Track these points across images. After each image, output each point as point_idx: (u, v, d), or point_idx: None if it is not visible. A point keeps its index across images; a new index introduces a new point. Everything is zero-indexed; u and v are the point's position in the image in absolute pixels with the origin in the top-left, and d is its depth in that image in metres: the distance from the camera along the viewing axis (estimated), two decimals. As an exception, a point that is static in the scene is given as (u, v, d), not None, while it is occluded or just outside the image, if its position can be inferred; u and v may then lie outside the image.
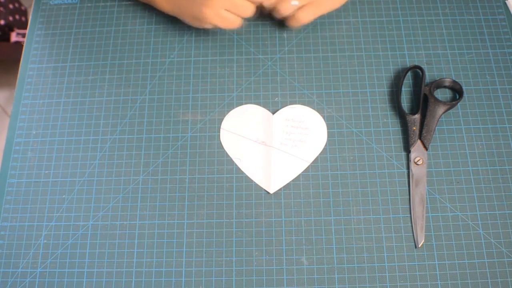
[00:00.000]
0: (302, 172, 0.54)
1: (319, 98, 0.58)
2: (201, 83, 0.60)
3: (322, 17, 0.62)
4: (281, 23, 0.62)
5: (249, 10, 0.56)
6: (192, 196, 0.54)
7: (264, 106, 0.58)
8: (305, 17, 0.57)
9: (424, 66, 0.59)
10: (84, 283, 0.51)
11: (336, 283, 0.49)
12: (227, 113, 0.58)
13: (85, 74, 0.61)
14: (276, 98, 0.58)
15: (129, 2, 0.65)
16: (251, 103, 0.58)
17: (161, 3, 0.60)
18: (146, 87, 0.60)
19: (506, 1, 0.63)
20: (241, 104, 0.58)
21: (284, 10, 0.57)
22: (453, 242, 0.51)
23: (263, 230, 0.52)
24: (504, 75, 0.59)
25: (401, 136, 0.56)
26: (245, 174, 0.54)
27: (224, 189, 0.54)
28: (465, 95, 0.57)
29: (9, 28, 1.41)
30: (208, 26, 0.57)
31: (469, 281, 0.49)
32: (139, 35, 0.63)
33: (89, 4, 0.65)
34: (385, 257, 0.50)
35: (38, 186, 0.55)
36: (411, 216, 0.52)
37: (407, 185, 0.53)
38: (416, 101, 0.57)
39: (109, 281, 0.51)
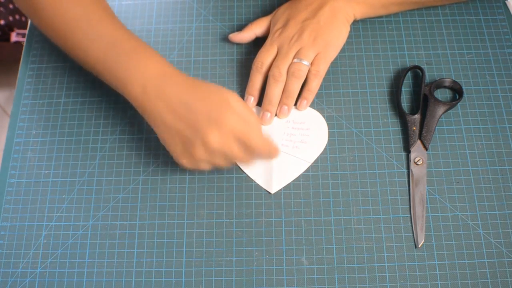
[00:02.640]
0: (303, 172, 0.54)
1: (319, 98, 0.58)
2: (201, 83, 0.60)
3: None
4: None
5: (230, 165, 0.51)
6: (192, 196, 0.54)
7: (264, 106, 0.58)
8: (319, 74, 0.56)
9: (424, 66, 0.59)
10: (84, 283, 0.51)
11: (336, 283, 0.49)
12: (227, 113, 0.58)
13: (85, 74, 0.61)
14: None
15: (129, 2, 0.65)
16: (251, 103, 0.58)
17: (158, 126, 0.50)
18: (146, 87, 0.60)
19: (506, 1, 0.63)
20: (241, 104, 0.58)
21: (303, 107, 0.57)
22: (453, 242, 0.51)
23: (263, 230, 0.52)
24: (504, 75, 0.59)
25: (401, 136, 0.56)
26: (245, 174, 0.54)
27: (224, 189, 0.54)
28: (465, 95, 0.57)
29: (9, 28, 1.41)
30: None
31: (469, 281, 0.49)
32: (139, 35, 0.63)
33: (89, 4, 0.65)
34: (385, 257, 0.50)
35: (38, 186, 0.55)
36: (411, 216, 0.52)
37: (407, 185, 0.53)
38: (416, 101, 0.57)
39: (109, 281, 0.51)
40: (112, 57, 0.49)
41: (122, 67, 0.49)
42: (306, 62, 0.55)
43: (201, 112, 0.46)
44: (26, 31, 0.65)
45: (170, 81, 0.48)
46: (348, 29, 0.58)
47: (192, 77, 0.50)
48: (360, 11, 0.58)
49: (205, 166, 0.50)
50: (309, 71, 0.55)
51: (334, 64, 0.59)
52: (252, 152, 0.48)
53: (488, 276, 0.49)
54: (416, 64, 0.59)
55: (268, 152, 0.50)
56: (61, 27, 0.51)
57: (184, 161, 0.49)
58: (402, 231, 0.51)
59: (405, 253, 0.50)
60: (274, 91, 0.55)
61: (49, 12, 0.51)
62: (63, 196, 0.55)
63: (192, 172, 0.55)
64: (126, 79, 0.49)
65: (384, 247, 0.51)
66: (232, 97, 0.48)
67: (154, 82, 0.48)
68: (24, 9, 0.54)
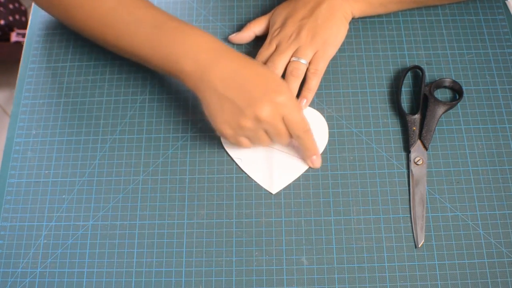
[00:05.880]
0: (303, 172, 0.54)
1: (319, 98, 0.58)
2: (201, 83, 0.60)
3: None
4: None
5: (267, 144, 0.52)
6: (192, 196, 0.54)
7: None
8: (319, 70, 0.56)
9: (424, 66, 0.59)
10: (84, 283, 0.51)
11: (336, 283, 0.49)
12: (227, 113, 0.58)
13: (85, 74, 0.61)
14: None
15: (129, 2, 0.65)
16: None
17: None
18: (146, 86, 0.60)
19: (506, 1, 0.63)
20: (241, 104, 0.58)
21: (303, 107, 0.56)
22: (453, 242, 0.51)
23: (263, 230, 0.52)
24: (504, 75, 0.59)
25: (401, 136, 0.56)
26: (245, 174, 0.54)
27: (224, 189, 0.54)
28: (465, 95, 0.57)
29: (9, 28, 1.41)
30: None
31: (469, 281, 0.49)
32: (139, 35, 0.63)
33: (89, 4, 0.65)
34: (385, 257, 0.50)
35: (38, 186, 0.55)
36: (411, 216, 0.52)
37: (407, 185, 0.53)
38: (416, 101, 0.57)
39: (109, 281, 0.51)
40: (159, 38, 0.49)
41: (171, 45, 0.49)
42: (304, 61, 0.55)
43: (257, 85, 0.48)
44: (26, 31, 0.65)
45: (224, 54, 0.49)
46: (347, 27, 0.58)
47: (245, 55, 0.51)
48: (359, 9, 0.58)
49: (244, 141, 0.51)
50: (308, 69, 0.55)
51: (334, 64, 0.59)
52: (293, 133, 0.50)
53: (488, 276, 0.49)
54: (416, 64, 0.59)
55: (309, 146, 0.52)
56: (99, 21, 0.51)
57: (227, 130, 0.49)
58: (402, 231, 0.51)
59: (405, 253, 0.50)
60: None
61: (84, 8, 0.51)
62: (63, 196, 0.55)
63: (231, 145, 0.55)
64: (177, 55, 0.49)
65: (384, 247, 0.51)
66: (285, 82, 0.50)
67: (206, 55, 0.49)
68: (53, 10, 0.54)
